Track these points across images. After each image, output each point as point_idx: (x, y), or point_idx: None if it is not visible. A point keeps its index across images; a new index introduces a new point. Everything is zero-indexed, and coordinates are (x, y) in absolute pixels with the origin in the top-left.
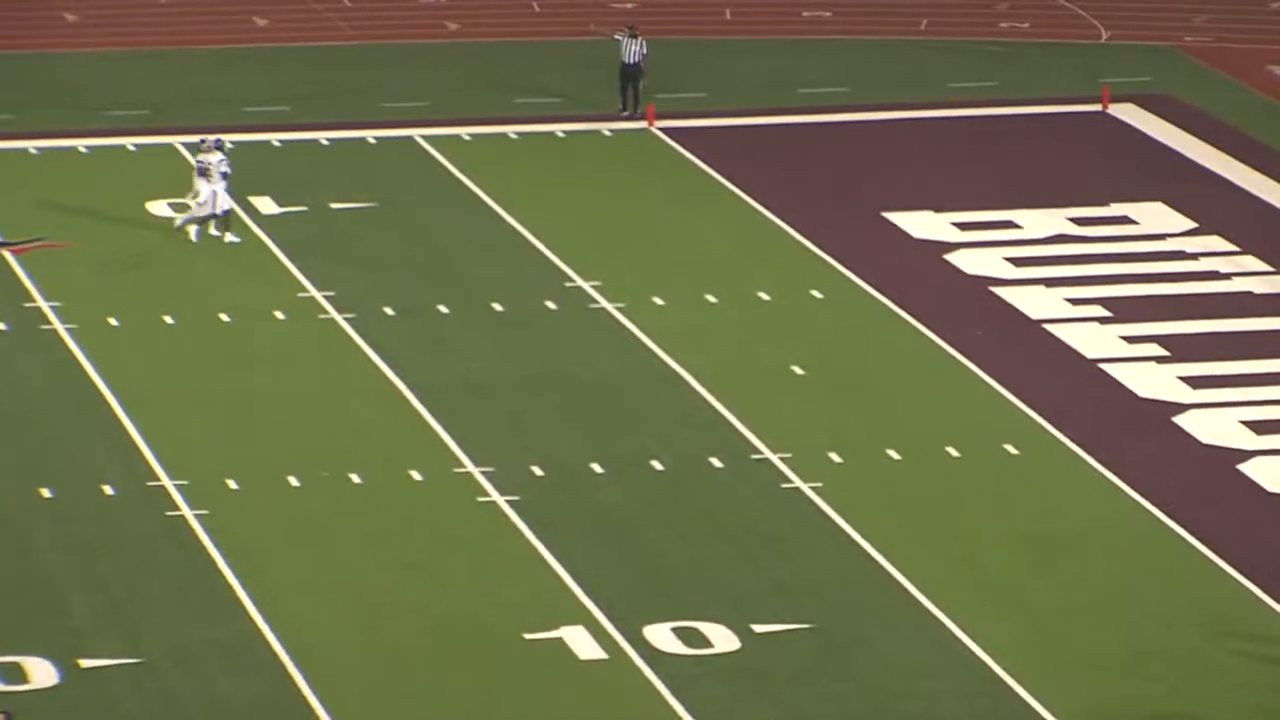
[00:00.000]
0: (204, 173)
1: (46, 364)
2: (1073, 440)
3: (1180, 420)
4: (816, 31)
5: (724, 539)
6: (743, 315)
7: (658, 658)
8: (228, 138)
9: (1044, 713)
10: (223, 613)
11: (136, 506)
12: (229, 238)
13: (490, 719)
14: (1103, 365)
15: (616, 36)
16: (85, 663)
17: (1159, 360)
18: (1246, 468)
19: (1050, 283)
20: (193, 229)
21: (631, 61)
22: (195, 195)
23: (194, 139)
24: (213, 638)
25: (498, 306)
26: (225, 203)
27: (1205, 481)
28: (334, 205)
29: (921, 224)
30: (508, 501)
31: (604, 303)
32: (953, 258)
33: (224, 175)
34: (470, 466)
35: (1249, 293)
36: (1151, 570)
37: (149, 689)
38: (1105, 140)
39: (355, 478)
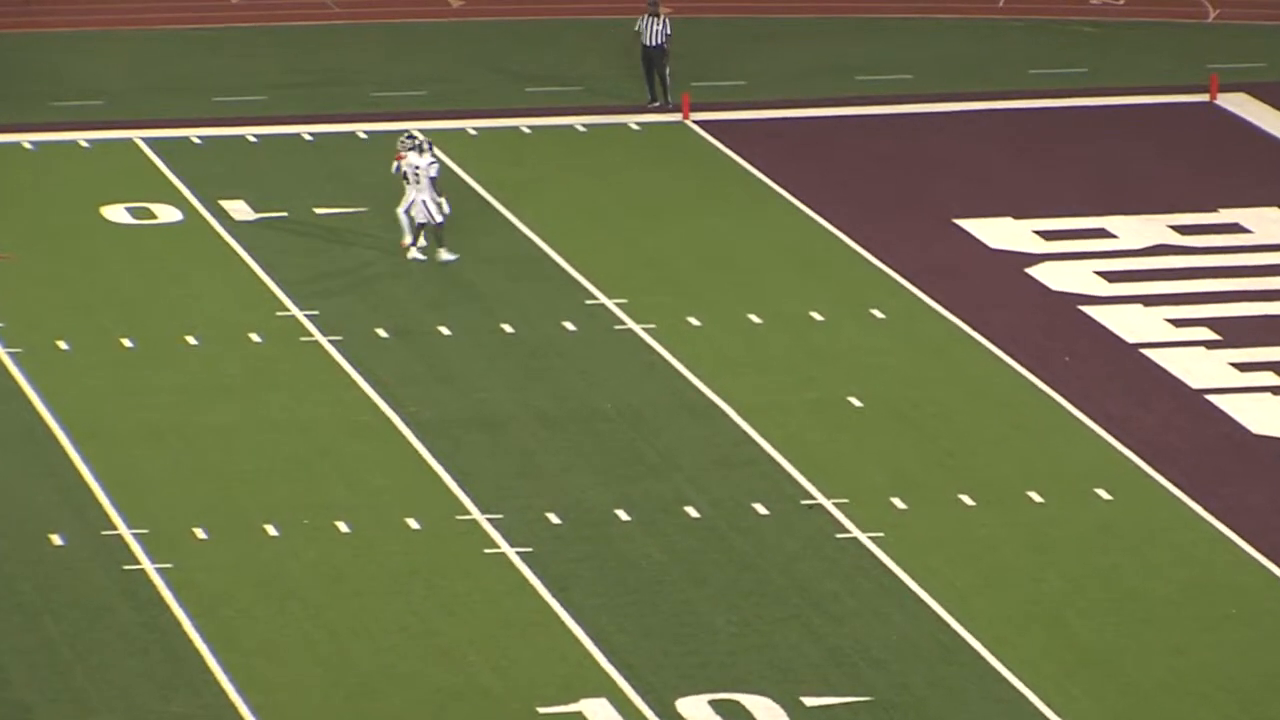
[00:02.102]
0: (405, 177)
1: None
2: (1175, 484)
3: None
4: (877, 9)
5: (769, 598)
6: (791, 338)
7: None
8: (199, 132)
9: None
10: (188, 683)
11: (89, 559)
12: (442, 255)
13: None
14: (1210, 396)
15: (637, 29)
16: None
17: (1275, 391)
18: None
19: (1149, 301)
20: (408, 239)
21: (654, 44)
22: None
23: (159, 134)
24: (177, 712)
25: (508, 328)
26: (433, 212)
27: None
28: (318, 210)
29: (999, 232)
30: (519, 554)
31: (630, 324)
32: (1036, 271)
33: (408, 178)
34: (476, 513)
35: None
36: (1269, 637)
37: None
38: (1213, 135)
39: (342, 526)
